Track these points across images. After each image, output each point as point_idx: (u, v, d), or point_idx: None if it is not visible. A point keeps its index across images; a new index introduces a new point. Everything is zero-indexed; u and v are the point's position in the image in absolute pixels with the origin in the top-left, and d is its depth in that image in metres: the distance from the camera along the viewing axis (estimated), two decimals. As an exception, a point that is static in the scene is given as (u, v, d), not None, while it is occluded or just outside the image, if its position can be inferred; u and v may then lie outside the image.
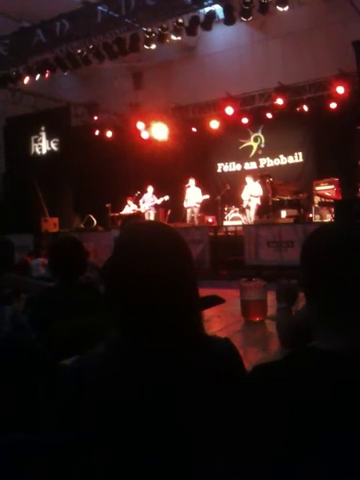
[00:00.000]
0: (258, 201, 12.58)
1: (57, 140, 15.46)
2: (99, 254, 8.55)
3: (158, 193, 13.74)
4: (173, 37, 10.82)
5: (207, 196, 13.13)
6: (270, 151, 14.51)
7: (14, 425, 1.85)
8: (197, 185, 13.28)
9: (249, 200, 12.63)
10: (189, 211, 13.31)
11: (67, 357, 1.62)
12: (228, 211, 13.35)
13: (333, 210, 10.61)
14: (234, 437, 1.08)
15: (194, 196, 13.23)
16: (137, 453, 1.15)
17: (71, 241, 3.07)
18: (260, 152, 14.78)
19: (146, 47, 11.05)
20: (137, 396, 1.17)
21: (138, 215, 13.38)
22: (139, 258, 1.22)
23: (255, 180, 12.71)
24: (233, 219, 13.15)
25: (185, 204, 13.29)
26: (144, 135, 15.19)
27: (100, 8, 10.70)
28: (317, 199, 11.81)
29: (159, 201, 13.64)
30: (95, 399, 1.17)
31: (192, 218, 13.28)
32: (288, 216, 11.79)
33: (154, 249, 1.23)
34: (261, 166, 14.65)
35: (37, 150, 15.89)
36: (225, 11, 10.15)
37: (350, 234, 1.09)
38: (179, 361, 1.21)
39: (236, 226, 12.27)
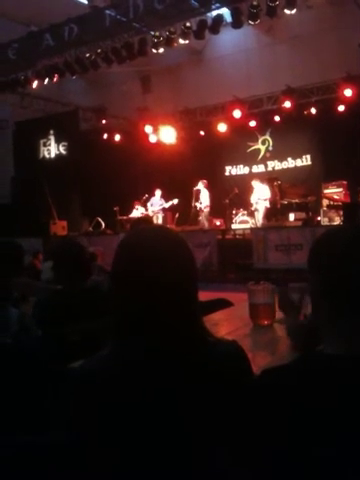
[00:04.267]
0: (266, 204, 12.56)
1: (66, 144, 15.51)
2: (107, 257, 8.55)
3: (166, 196, 13.75)
4: (181, 41, 10.83)
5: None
6: (278, 154, 14.50)
7: (21, 426, 1.86)
8: (206, 187, 13.27)
9: (257, 203, 12.62)
10: (203, 214, 13.28)
11: (75, 360, 1.63)
12: (236, 214, 13.34)
13: (341, 213, 10.59)
14: (240, 440, 1.09)
15: (204, 198, 13.22)
16: (140, 455, 1.16)
17: (74, 245, 3.07)
18: (268, 155, 14.77)
19: (154, 51, 11.07)
20: (141, 399, 1.17)
21: (147, 218, 13.39)
22: (141, 262, 1.23)
23: (263, 183, 12.69)
24: (241, 222, 13.15)
25: (198, 206, 13.26)
26: (152, 139, 15.23)
27: (108, 12, 10.73)
28: (325, 202, 11.79)
29: (167, 205, 13.66)
30: (100, 401, 1.18)
31: (202, 221, 13.28)
32: (296, 219, 11.78)
33: (156, 253, 1.24)
34: (269, 169, 14.64)
35: (46, 154, 15.96)
36: (233, 14, 10.15)
37: (358, 236, 1.09)
38: (183, 364, 1.21)
39: (244, 229, 12.26)
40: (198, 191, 13.20)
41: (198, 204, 13.22)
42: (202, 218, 13.28)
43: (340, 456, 0.94)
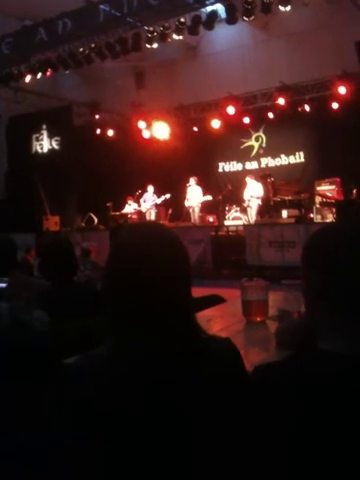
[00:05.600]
0: (259, 202, 12.59)
1: (58, 138, 15.46)
2: (101, 253, 8.55)
3: (159, 192, 13.75)
4: (175, 36, 10.81)
5: (209, 197, 13.16)
6: (271, 151, 14.50)
7: (17, 424, 1.85)
8: (198, 184, 13.29)
9: (250, 200, 12.64)
10: (190, 211, 13.33)
11: (70, 356, 1.63)
12: (229, 211, 13.35)
13: (334, 210, 10.61)
14: (235, 437, 1.08)
15: (194, 195, 13.24)
16: (138, 454, 1.15)
17: (59, 241, 3.06)
18: (261, 152, 14.77)
19: (148, 46, 11.05)
20: (137, 397, 1.16)
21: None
22: (135, 259, 1.22)
23: (258, 181, 12.70)
24: (234, 219, 13.16)
25: (186, 203, 13.30)
26: (145, 134, 15.20)
27: (102, 7, 10.68)
28: (318, 199, 11.81)
29: (160, 200, 13.66)
30: (95, 398, 1.17)
31: (194, 217, 13.30)
32: (289, 216, 11.79)
33: (150, 250, 1.23)
34: (262, 166, 14.64)
35: (38, 148, 15.90)
36: (227, 10, 10.14)
37: (357, 234, 1.09)
38: (178, 362, 1.21)
39: (237, 226, 12.28)
40: (189, 188, 13.23)
41: (188, 201, 13.24)
42: (193, 214, 13.30)
43: (338, 455, 0.95)
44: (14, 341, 2.17)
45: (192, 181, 13.21)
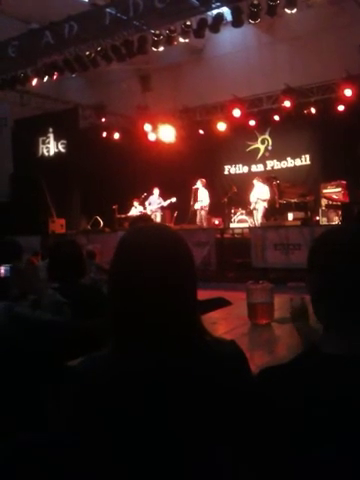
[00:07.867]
0: (265, 205, 12.58)
1: (65, 142, 15.49)
2: (106, 256, 8.55)
3: (165, 195, 13.76)
4: (181, 39, 10.82)
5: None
6: (277, 153, 14.50)
7: (18, 424, 1.85)
8: (205, 186, 13.29)
9: (256, 202, 12.63)
10: (197, 213, 13.31)
11: (74, 358, 1.63)
12: (235, 213, 13.34)
13: (340, 213, 10.59)
14: (239, 439, 1.08)
15: (202, 198, 13.23)
16: (137, 454, 1.15)
17: (67, 244, 3.07)
18: (267, 154, 14.78)
19: (154, 49, 11.06)
20: (138, 398, 1.16)
21: (147, 217, 13.38)
22: (140, 261, 1.22)
23: (265, 184, 12.69)
24: (240, 221, 13.16)
25: (195, 206, 13.28)
26: (151, 137, 15.23)
27: (108, 10, 10.71)
28: (324, 202, 11.80)
29: (166, 203, 13.66)
30: (99, 402, 1.17)
31: (200, 220, 13.29)
32: (295, 218, 11.79)
33: (156, 252, 1.23)
34: (268, 168, 14.64)
35: (45, 152, 15.94)
36: (233, 13, 10.14)
37: (357, 235, 1.09)
38: (181, 363, 1.20)
39: (243, 228, 12.27)
40: (196, 190, 13.22)
41: (196, 203, 13.23)
42: (200, 217, 13.29)
43: (340, 456, 0.94)
44: (12, 339, 2.17)
45: (199, 183, 13.20)
